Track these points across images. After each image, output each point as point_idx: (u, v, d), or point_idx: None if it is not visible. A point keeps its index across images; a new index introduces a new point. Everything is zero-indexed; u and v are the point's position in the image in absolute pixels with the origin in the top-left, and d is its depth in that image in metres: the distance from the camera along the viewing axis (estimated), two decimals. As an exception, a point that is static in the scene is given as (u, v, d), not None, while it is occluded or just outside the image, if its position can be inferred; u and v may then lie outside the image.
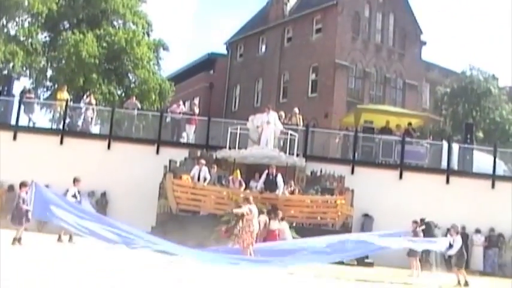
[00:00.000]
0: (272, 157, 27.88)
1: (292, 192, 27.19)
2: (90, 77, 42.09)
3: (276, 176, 26.91)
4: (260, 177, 27.22)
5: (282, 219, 24.19)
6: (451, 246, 20.63)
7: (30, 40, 43.50)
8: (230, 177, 27.46)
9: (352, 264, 24.47)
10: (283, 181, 27.03)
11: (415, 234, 22.00)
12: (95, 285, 11.61)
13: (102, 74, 43.35)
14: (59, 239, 19.24)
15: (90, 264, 15.31)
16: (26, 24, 43.60)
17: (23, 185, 20.26)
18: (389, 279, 19.18)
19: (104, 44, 43.12)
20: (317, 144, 32.44)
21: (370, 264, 25.62)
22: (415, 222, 22.67)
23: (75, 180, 23.70)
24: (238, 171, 27.44)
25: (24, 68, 43.63)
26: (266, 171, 27.04)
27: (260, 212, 22.08)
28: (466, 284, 19.04)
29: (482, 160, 32.65)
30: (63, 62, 42.69)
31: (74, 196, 23.11)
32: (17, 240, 19.06)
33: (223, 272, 16.36)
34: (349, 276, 19.54)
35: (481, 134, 47.08)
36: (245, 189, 26.77)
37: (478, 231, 30.09)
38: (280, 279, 16.65)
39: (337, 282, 17.23)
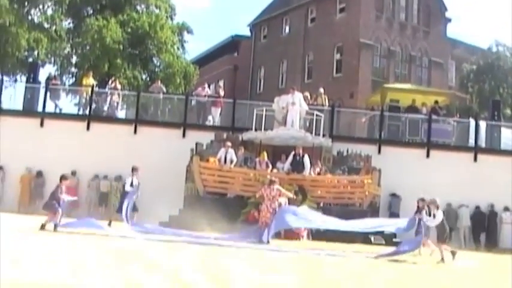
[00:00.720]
0: (298, 138, 27.84)
1: (319, 173, 27.14)
2: (115, 62, 42.21)
3: (303, 156, 26.90)
4: (287, 158, 27.22)
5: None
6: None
7: (54, 27, 43.66)
8: (257, 159, 27.44)
9: (380, 244, 24.39)
10: (310, 162, 27.02)
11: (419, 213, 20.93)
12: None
13: (127, 59, 43.45)
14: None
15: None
16: (50, 11, 43.80)
17: (63, 178, 20.34)
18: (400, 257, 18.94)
19: (128, 29, 43.22)
20: (343, 124, 32.37)
21: (398, 244, 25.51)
22: (421, 200, 21.68)
23: (134, 169, 23.59)
24: (264, 153, 27.42)
25: (49, 55, 43.84)
26: (293, 152, 27.03)
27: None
28: (442, 260, 18.57)
29: (510, 137, 32.41)
30: (88, 48, 42.83)
31: (132, 185, 23.05)
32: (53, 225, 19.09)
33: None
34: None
35: (508, 111, 46.74)
36: (272, 170, 26.77)
37: (506, 209, 29.91)
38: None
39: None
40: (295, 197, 24.01)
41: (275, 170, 26.89)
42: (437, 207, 19.64)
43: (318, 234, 23.29)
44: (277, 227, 20.01)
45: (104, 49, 41.71)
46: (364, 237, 24.16)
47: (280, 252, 17.22)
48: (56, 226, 19.03)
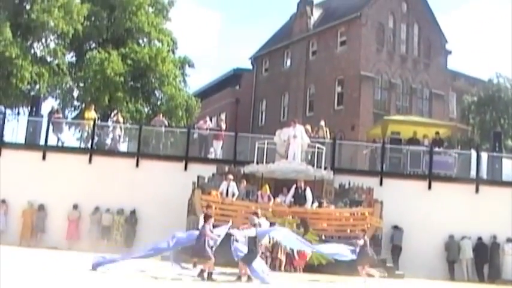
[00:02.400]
0: (300, 171, 27.89)
1: (320, 206, 27.14)
2: (116, 95, 42.32)
3: (305, 189, 26.95)
4: (288, 191, 27.26)
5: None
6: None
7: (56, 61, 43.88)
8: (259, 192, 27.46)
9: (383, 276, 24.36)
10: (312, 194, 27.05)
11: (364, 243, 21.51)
12: None
13: (129, 92, 43.58)
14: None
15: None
16: (52, 45, 44.00)
17: (209, 216, 18.81)
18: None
19: (129, 62, 43.37)
20: (344, 156, 32.40)
21: (401, 276, 25.48)
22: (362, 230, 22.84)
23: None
24: (266, 186, 27.45)
25: (51, 89, 44.00)
26: (295, 185, 27.08)
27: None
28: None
29: (511, 168, 32.41)
30: (89, 81, 42.99)
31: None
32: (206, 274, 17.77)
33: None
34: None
35: (510, 142, 46.76)
36: (273, 203, 26.79)
37: (509, 240, 29.79)
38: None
39: None
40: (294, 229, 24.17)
41: (278, 201, 26.90)
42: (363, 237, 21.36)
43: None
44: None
45: (105, 82, 41.83)
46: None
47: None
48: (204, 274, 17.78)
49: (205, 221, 18.41)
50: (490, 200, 30.52)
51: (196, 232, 18.81)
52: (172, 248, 18.94)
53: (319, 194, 28.05)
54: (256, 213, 21.71)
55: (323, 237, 25.70)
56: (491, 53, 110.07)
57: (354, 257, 21.01)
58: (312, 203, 26.99)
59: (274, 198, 27.17)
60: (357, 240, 21.66)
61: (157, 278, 17.05)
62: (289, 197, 26.97)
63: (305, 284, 19.92)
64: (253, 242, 18.08)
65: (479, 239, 29.91)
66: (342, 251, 21.49)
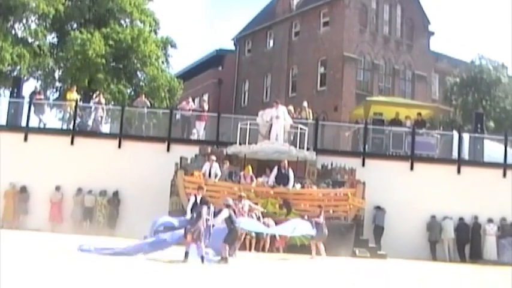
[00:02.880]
0: (282, 151, 27.91)
1: (303, 186, 27.19)
2: (97, 77, 42.14)
3: (288, 170, 26.98)
4: (271, 172, 27.28)
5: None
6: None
7: (37, 42, 43.57)
8: (241, 173, 27.46)
9: (365, 256, 24.56)
10: (294, 175, 27.11)
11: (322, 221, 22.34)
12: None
13: (110, 73, 43.36)
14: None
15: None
16: (33, 26, 43.68)
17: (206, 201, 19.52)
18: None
19: (111, 43, 43.12)
20: (327, 137, 32.43)
21: (383, 256, 25.63)
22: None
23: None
24: (249, 167, 27.46)
25: (32, 70, 43.71)
26: (277, 166, 27.09)
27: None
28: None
29: (493, 149, 32.58)
30: (70, 62, 42.72)
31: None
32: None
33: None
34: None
35: (491, 123, 46.99)
36: (256, 184, 26.82)
37: (490, 220, 29.98)
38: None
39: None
40: (276, 211, 24.36)
41: (259, 184, 26.92)
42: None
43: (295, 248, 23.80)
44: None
45: (86, 62, 41.59)
46: (349, 251, 24.38)
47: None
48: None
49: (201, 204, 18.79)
50: (471, 181, 30.70)
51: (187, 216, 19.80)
52: (173, 242, 18.85)
53: (301, 174, 28.11)
54: (241, 197, 22.11)
55: (306, 218, 25.79)
56: (474, 35, 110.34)
57: (314, 231, 21.54)
58: (294, 184, 27.03)
59: (256, 178, 27.18)
60: (316, 218, 22.62)
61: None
62: (272, 178, 26.98)
63: (268, 262, 20.01)
64: (229, 221, 18.33)
65: (461, 219, 30.08)
66: (301, 227, 21.86)
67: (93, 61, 41.58)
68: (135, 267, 15.11)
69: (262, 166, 28.09)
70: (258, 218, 23.60)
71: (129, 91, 45.25)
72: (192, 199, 22.41)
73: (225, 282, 13.49)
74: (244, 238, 22.38)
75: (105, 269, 14.22)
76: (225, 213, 18.39)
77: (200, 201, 20.14)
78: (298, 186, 27.11)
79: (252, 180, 26.99)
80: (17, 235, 23.66)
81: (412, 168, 31.18)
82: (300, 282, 14.52)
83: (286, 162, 27.13)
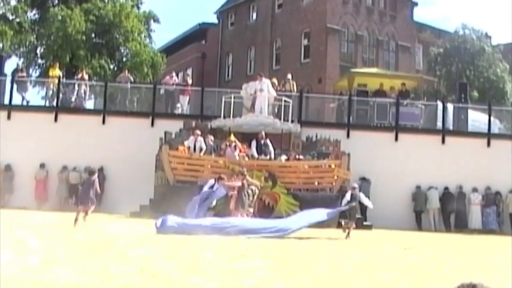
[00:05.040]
0: (267, 124, 27.90)
1: (288, 159, 27.20)
2: (78, 53, 41.92)
3: (266, 140, 26.93)
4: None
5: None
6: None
7: (18, 19, 43.24)
8: (225, 143, 27.28)
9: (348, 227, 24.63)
10: (279, 147, 27.17)
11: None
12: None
13: (92, 49, 43.15)
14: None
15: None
16: (13, 2, 43.34)
17: (92, 172, 21.82)
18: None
19: (92, 18, 42.87)
20: (311, 109, 32.46)
21: (369, 227, 25.74)
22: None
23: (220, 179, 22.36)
24: (232, 135, 27.38)
25: (14, 47, 43.42)
26: (255, 138, 27.06)
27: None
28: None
29: (477, 119, 32.70)
30: (52, 38, 42.44)
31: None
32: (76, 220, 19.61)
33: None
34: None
35: (475, 93, 47.11)
36: (240, 154, 26.80)
37: (475, 190, 30.13)
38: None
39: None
40: (261, 184, 24.37)
41: (244, 157, 26.90)
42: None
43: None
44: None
45: (67, 39, 41.36)
46: (335, 222, 24.42)
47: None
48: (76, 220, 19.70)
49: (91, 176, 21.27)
50: (456, 151, 30.82)
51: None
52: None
53: (286, 147, 28.14)
54: (242, 173, 22.55)
55: (291, 190, 25.88)
56: (457, 4, 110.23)
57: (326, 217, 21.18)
58: (275, 155, 27.01)
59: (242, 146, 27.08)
60: (235, 183, 22.56)
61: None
62: (253, 149, 26.91)
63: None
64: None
65: (446, 189, 30.23)
66: (316, 216, 21.32)
67: (74, 37, 41.34)
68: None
69: (246, 139, 28.02)
70: (254, 194, 23.44)
71: (112, 67, 45.07)
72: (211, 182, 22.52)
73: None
74: None
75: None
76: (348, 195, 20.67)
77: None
78: (283, 157, 27.08)
79: (236, 149, 26.79)
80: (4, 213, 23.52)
81: (396, 139, 31.26)
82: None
83: (263, 133, 27.08)
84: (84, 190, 21.04)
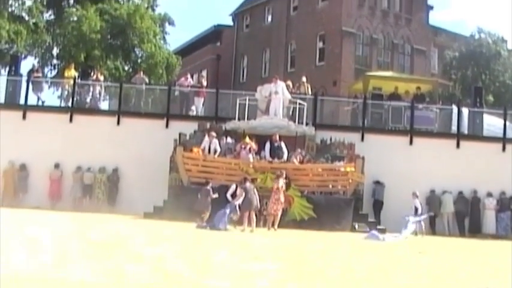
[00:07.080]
0: (281, 126, 27.87)
1: (302, 161, 27.15)
2: (93, 53, 42.03)
3: (280, 142, 26.90)
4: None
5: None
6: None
7: (33, 19, 43.41)
8: (238, 145, 27.26)
9: (364, 231, 24.57)
10: (291, 150, 27.14)
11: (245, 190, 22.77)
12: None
13: (107, 50, 43.24)
14: None
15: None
16: (28, 3, 43.51)
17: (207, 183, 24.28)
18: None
19: (107, 18, 42.96)
20: (326, 112, 32.38)
21: (383, 231, 25.66)
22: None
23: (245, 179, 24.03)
24: (247, 137, 27.32)
25: (30, 47, 43.60)
26: (269, 140, 27.02)
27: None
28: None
29: (492, 123, 32.55)
30: (67, 38, 42.58)
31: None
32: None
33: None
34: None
35: (490, 98, 46.95)
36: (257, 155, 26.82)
37: (489, 194, 29.99)
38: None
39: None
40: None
41: (258, 159, 26.88)
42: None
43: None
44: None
45: (81, 39, 41.46)
46: (348, 225, 24.42)
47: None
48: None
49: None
50: (470, 155, 30.66)
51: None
52: None
53: (300, 149, 28.11)
54: (279, 175, 23.94)
55: (305, 193, 25.87)
56: (473, 8, 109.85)
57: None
58: (289, 157, 26.98)
59: (256, 152, 27.08)
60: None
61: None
62: (267, 152, 26.87)
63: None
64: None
65: (460, 193, 30.10)
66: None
67: (89, 37, 41.44)
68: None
69: (261, 142, 27.97)
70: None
71: (126, 68, 45.15)
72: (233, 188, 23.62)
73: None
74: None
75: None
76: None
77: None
78: (296, 160, 26.99)
79: (250, 151, 26.76)
80: (18, 213, 23.59)
81: (411, 142, 31.14)
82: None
83: (277, 135, 27.07)
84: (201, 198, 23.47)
